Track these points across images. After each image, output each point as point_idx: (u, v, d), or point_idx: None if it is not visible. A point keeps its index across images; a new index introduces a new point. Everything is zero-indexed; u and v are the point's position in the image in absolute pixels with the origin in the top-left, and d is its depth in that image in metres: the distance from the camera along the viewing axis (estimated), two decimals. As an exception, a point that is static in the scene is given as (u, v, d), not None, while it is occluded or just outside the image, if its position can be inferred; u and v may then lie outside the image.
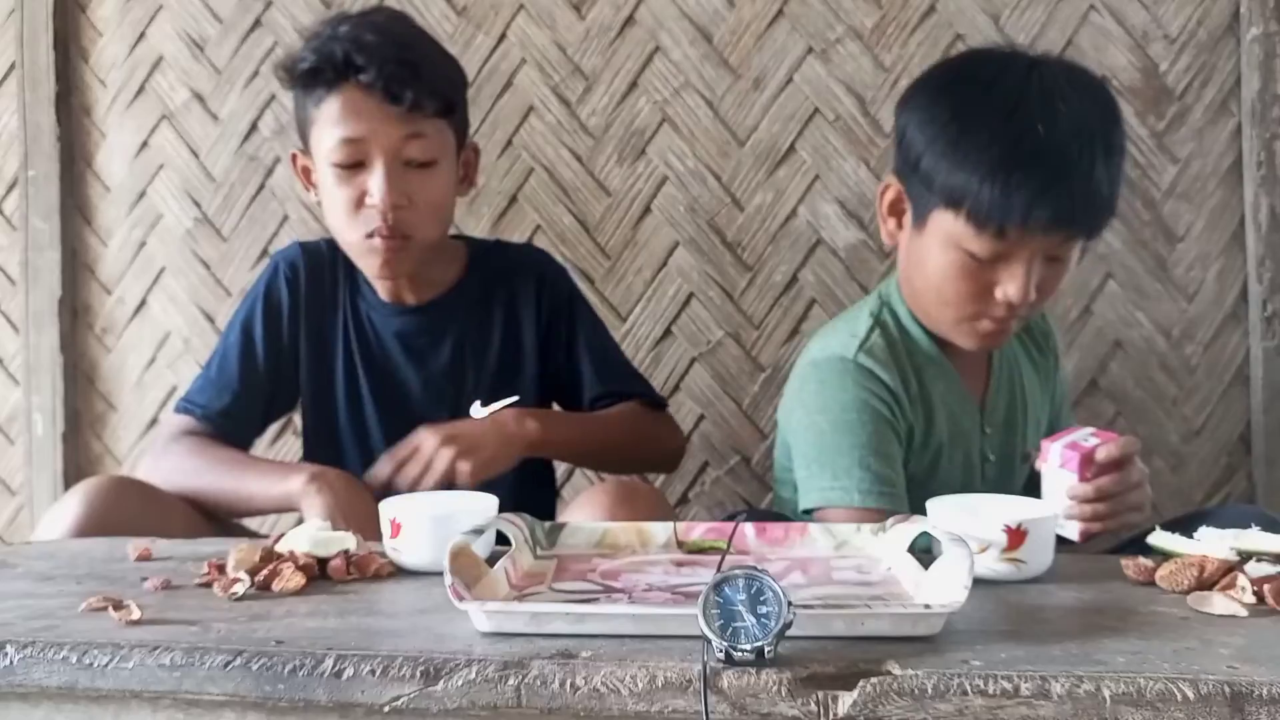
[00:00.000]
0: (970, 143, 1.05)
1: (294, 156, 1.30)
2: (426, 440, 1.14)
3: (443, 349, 1.31)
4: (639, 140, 1.64)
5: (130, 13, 1.72)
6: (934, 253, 1.10)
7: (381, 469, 1.15)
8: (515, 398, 1.31)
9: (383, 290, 1.31)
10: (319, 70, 1.18)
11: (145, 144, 1.73)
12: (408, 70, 1.16)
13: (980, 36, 1.58)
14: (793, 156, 1.62)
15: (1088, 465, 0.98)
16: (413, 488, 1.11)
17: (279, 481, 1.14)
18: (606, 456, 1.34)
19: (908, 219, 1.15)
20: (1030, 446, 1.25)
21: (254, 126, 1.70)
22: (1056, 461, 1.00)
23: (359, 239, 1.21)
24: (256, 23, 1.70)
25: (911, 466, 1.17)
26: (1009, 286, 1.07)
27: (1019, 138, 1.04)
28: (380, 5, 1.42)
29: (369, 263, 1.23)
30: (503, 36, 1.65)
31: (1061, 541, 0.90)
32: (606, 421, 1.29)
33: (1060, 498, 1.00)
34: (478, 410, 1.30)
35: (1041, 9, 1.58)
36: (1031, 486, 1.12)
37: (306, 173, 1.28)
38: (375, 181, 1.17)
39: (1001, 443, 1.24)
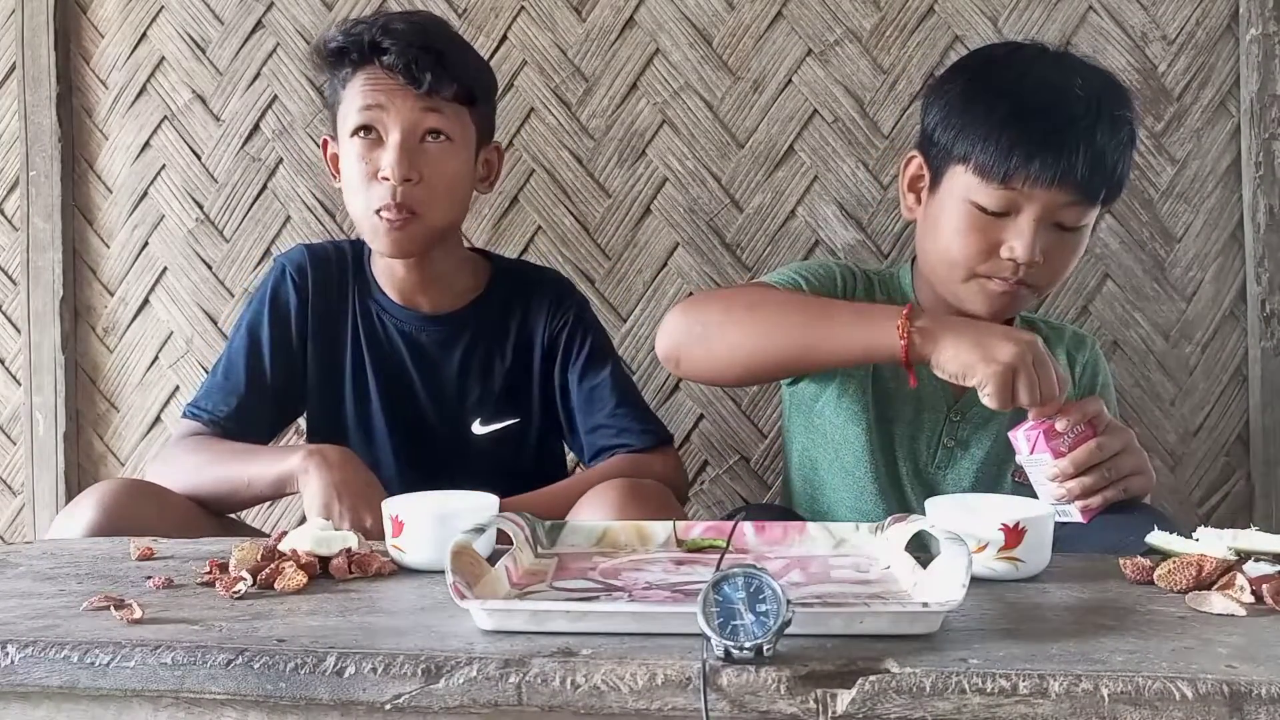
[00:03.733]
0: (983, 100, 1.12)
1: (325, 143, 1.33)
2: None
3: (451, 360, 1.31)
4: (639, 142, 1.65)
5: (131, 14, 1.73)
6: (946, 210, 1.14)
7: None
8: (517, 420, 1.32)
9: (398, 295, 1.31)
10: (345, 50, 1.22)
11: (147, 144, 1.73)
12: (429, 56, 1.21)
13: (978, 38, 1.58)
14: (792, 158, 1.62)
15: (1054, 438, 0.98)
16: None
17: (278, 462, 1.15)
18: None
19: (925, 193, 1.19)
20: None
21: (256, 127, 1.71)
22: (1026, 449, 1.00)
23: (368, 214, 1.22)
24: (258, 24, 1.70)
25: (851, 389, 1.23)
26: (1014, 242, 1.10)
27: (1029, 95, 1.10)
28: (410, 9, 1.43)
29: (377, 240, 1.24)
30: (503, 38, 1.66)
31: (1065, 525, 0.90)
32: (570, 494, 1.15)
33: (1047, 484, 1.00)
34: (478, 429, 1.31)
35: (1040, 10, 1.58)
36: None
37: (335, 160, 1.30)
38: (388, 154, 1.20)
39: (972, 438, 1.24)
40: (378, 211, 1.21)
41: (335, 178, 1.31)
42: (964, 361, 0.99)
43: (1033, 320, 1.31)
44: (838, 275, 1.25)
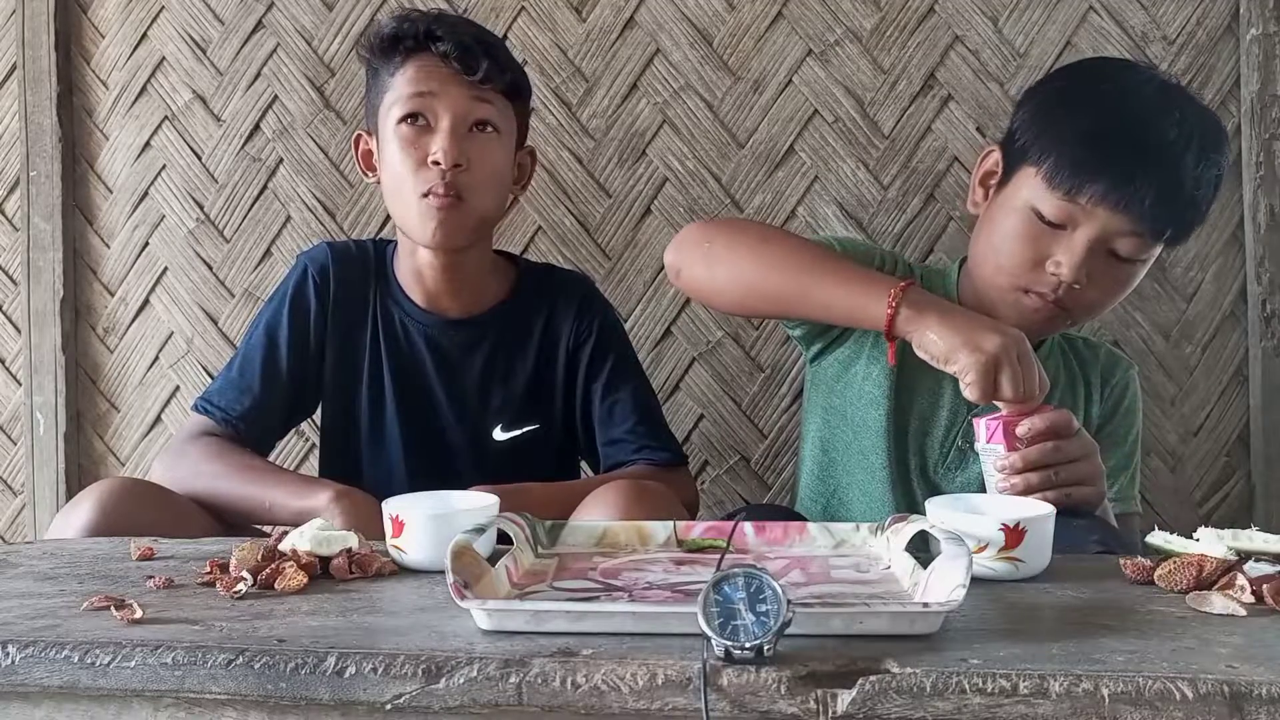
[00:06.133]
0: (1075, 107, 1.11)
1: (357, 139, 1.32)
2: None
3: (474, 365, 1.30)
4: (639, 142, 1.65)
5: (131, 14, 1.73)
6: (1006, 211, 1.14)
7: None
8: (538, 426, 1.31)
9: (423, 297, 1.30)
10: (399, 37, 1.22)
11: (147, 145, 1.73)
12: (481, 47, 1.23)
13: (979, 38, 1.58)
14: (792, 158, 1.62)
15: (1012, 436, 0.98)
16: None
17: (303, 496, 1.13)
18: None
19: (993, 190, 1.19)
20: None
21: (256, 127, 1.71)
22: (984, 437, 1.00)
23: (415, 199, 1.21)
24: (259, 24, 1.70)
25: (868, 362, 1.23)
26: (1062, 258, 1.09)
27: (1121, 114, 1.09)
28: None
29: (425, 226, 1.22)
30: (504, 38, 1.65)
31: None
32: (581, 493, 1.13)
33: (995, 474, 1.00)
34: (499, 435, 1.30)
35: (1040, 10, 1.58)
36: None
37: (368, 156, 1.30)
38: (439, 140, 1.20)
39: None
40: (425, 195, 1.21)
41: (368, 174, 1.30)
42: (948, 345, 0.98)
43: (1071, 337, 1.30)
44: (876, 256, 1.25)
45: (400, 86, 1.23)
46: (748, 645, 0.63)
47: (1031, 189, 1.11)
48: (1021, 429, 0.98)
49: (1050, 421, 0.98)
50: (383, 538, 0.93)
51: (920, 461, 1.23)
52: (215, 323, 1.72)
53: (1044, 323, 1.14)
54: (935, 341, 0.99)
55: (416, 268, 1.30)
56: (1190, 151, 1.08)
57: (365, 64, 1.29)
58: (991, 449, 1.00)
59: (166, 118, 1.73)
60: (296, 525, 1.13)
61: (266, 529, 1.21)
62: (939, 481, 1.23)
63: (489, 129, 1.23)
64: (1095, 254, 1.09)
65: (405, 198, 1.22)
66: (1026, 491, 0.97)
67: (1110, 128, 1.08)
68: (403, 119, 1.22)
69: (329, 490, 1.12)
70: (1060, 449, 0.98)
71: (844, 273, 1.08)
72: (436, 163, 1.19)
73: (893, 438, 1.22)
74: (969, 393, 0.98)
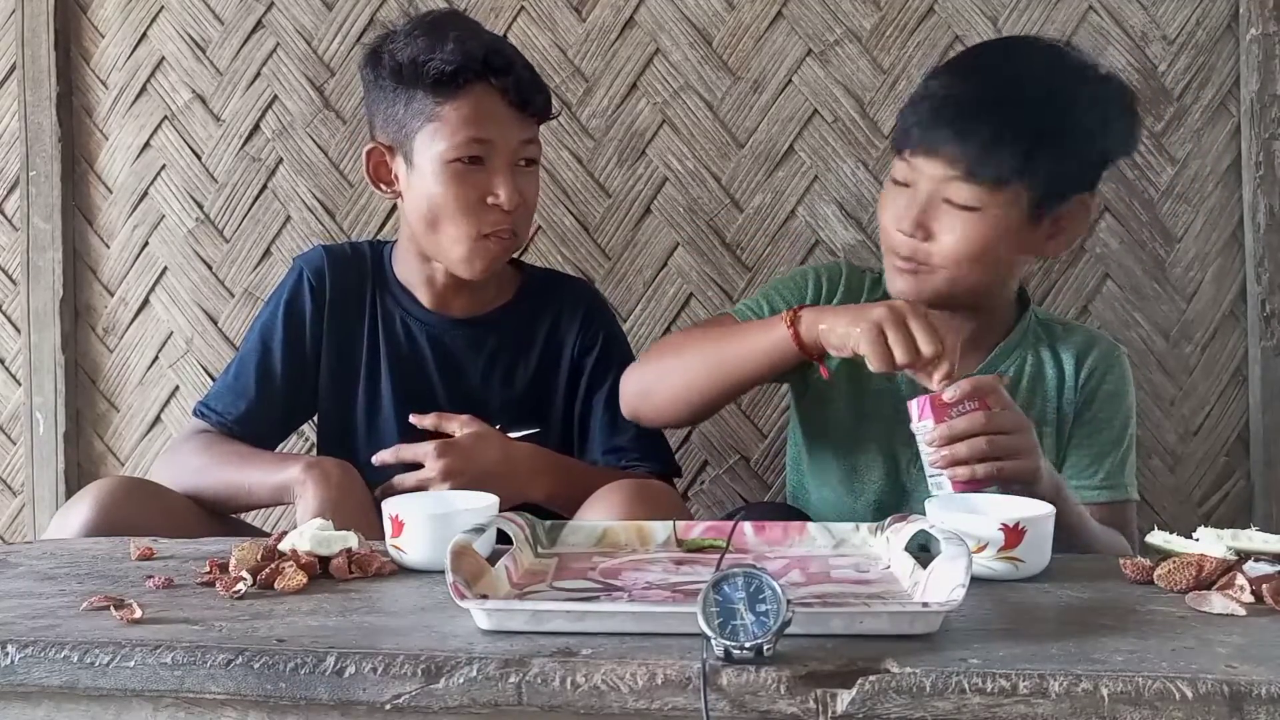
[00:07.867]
0: (920, 89, 1.17)
1: (370, 152, 1.25)
2: (432, 448, 1.13)
3: (476, 365, 1.31)
4: (639, 142, 1.65)
5: (131, 14, 1.73)
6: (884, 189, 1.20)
7: (384, 456, 1.17)
8: (538, 429, 1.30)
9: (430, 299, 1.30)
10: (460, 71, 1.18)
11: (147, 144, 1.73)
12: (533, 78, 1.24)
13: (978, 38, 1.58)
14: (792, 158, 1.63)
15: (940, 410, 0.99)
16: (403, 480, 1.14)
17: (276, 471, 1.15)
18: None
19: None
20: None
21: (256, 127, 1.71)
22: (916, 416, 1.01)
23: (470, 237, 1.21)
24: (258, 24, 1.70)
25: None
26: (902, 213, 1.13)
27: (946, 79, 1.15)
28: (440, 10, 1.42)
29: (471, 262, 1.22)
30: (503, 38, 1.65)
31: None
32: (600, 479, 1.18)
33: (927, 451, 1.00)
34: None
35: (1040, 10, 1.58)
36: None
37: (383, 170, 1.26)
38: (502, 182, 1.19)
39: None
40: (487, 236, 1.21)
41: (385, 189, 1.26)
42: (841, 332, 1.03)
43: (1048, 320, 1.29)
44: (809, 284, 1.26)
45: (455, 122, 1.18)
46: (747, 645, 0.63)
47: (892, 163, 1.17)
48: (948, 394, 0.98)
49: (975, 384, 0.99)
50: (358, 503, 0.93)
51: (891, 465, 1.23)
52: (215, 322, 1.72)
53: (911, 285, 1.14)
54: (831, 331, 1.04)
55: (429, 273, 1.29)
56: (1011, 92, 1.09)
57: (388, 78, 1.22)
58: (922, 427, 1.00)
59: (166, 117, 1.73)
60: (276, 504, 1.17)
61: (266, 526, 1.21)
62: (917, 480, 1.20)
63: (530, 166, 1.25)
64: (933, 205, 1.11)
65: (455, 233, 1.21)
66: (956, 463, 0.97)
67: (935, 90, 1.13)
68: (458, 158, 1.18)
69: (299, 463, 1.14)
70: (991, 420, 0.98)
71: (746, 331, 1.15)
72: (498, 205, 1.19)
73: (852, 445, 1.23)
74: (871, 365, 1.01)
